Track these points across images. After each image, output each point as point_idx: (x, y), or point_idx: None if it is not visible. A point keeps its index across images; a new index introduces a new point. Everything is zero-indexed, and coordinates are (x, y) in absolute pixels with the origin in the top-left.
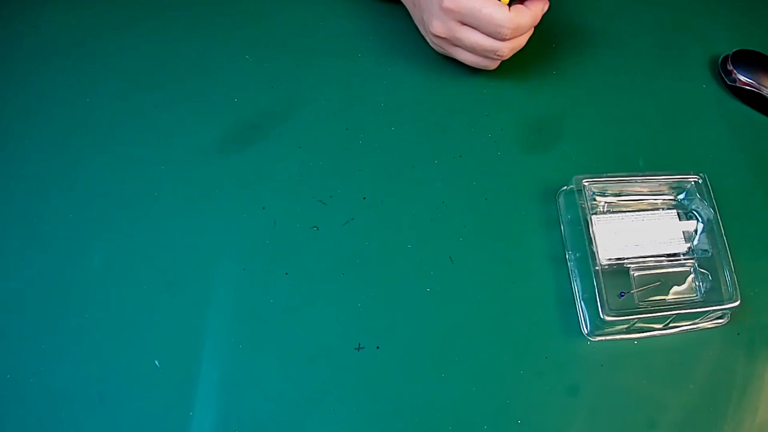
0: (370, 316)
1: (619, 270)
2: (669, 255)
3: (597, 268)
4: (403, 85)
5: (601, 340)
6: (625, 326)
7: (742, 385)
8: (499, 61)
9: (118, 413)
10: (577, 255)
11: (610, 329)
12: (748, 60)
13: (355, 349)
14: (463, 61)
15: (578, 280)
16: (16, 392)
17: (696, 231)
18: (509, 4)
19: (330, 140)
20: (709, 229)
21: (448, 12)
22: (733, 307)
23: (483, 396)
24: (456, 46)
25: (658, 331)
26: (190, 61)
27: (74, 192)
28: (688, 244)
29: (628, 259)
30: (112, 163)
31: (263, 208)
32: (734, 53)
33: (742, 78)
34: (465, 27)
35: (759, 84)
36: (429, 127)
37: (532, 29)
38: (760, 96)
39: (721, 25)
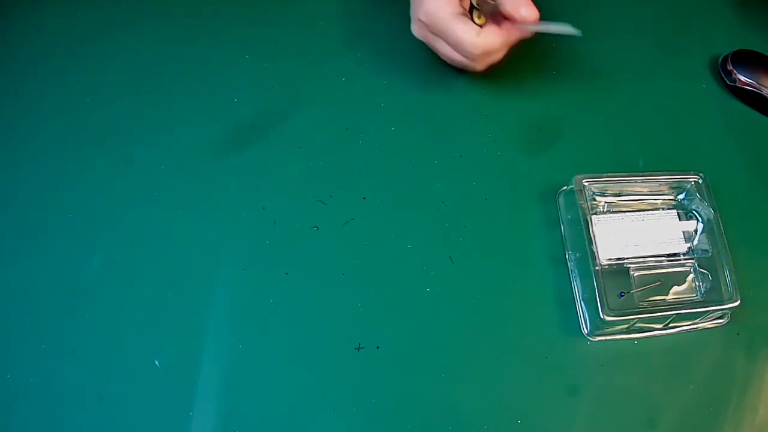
0: (370, 316)
1: (619, 270)
2: (669, 255)
3: (597, 268)
4: (403, 85)
5: (601, 340)
6: (625, 326)
7: (742, 385)
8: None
9: (118, 413)
10: (577, 255)
11: (610, 329)
12: (748, 60)
13: (355, 349)
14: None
15: (578, 280)
16: (16, 392)
17: (696, 231)
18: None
19: (330, 140)
20: (709, 229)
21: (422, 24)
22: (733, 307)
23: (483, 396)
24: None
25: (658, 331)
26: (190, 61)
27: (74, 192)
28: (688, 244)
29: (628, 259)
30: (112, 163)
31: (263, 208)
32: (734, 53)
33: (742, 78)
34: (438, 37)
35: (759, 84)
36: (429, 127)
37: (506, 48)
38: (760, 96)
39: (721, 25)
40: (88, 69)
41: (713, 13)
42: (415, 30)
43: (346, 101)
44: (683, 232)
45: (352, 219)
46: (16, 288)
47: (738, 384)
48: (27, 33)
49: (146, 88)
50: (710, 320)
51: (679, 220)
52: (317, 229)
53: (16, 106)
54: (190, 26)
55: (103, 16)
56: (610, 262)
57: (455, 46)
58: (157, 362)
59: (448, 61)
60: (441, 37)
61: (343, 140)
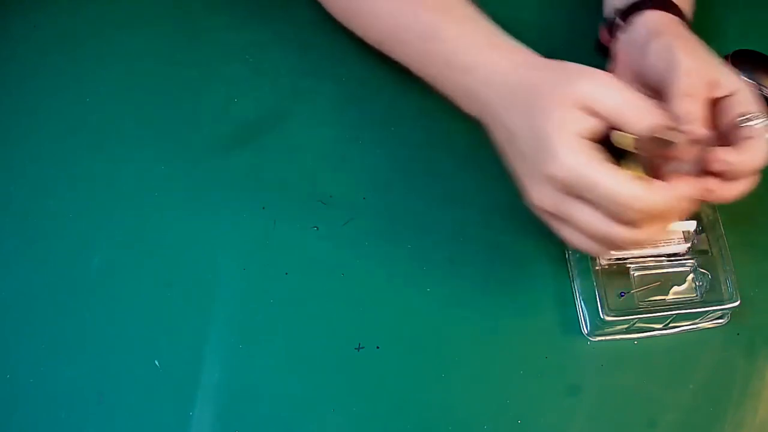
0: (370, 316)
1: (619, 270)
2: (669, 255)
3: (597, 268)
4: (403, 85)
5: (601, 340)
6: (625, 326)
7: (742, 385)
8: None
9: (118, 413)
10: (577, 255)
11: (610, 329)
12: (748, 60)
13: (355, 349)
14: (570, 242)
15: (578, 280)
16: (16, 392)
17: (696, 231)
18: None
19: (330, 140)
20: (709, 229)
21: (554, 181)
22: (733, 307)
23: (483, 396)
24: (563, 221)
25: (658, 331)
26: (191, 61)
27: (74, 192)
28: (688, 244)
29: (628, 259)
30: (112, 163)
31: (263, 208)
32: (734, 53)
33: (742, 78)
34: (577, 201)
35: (759, 84)
36: (429, 126)
37: (678, 212)
38: (761, 96)
39: (721, 25)
40: (87, 69)
41: (713, 14)
42: (541, 196)
43: (346, 101)
44: (683, 232)
45: (352, 219)
46: (16, 288)
47: (738, 384)
48: (27, 33)
49: (146, 87)
50: (710, 320)
51: (679, 220)
52: (317, 229)
53: (15, 105)
54: (190, 26)
55: (102, 16)
56: (610, 262)
57: (607, 201)
58: (157, 362)
59: (577, 242)
60: (582, 195)
61: (343, 140)
